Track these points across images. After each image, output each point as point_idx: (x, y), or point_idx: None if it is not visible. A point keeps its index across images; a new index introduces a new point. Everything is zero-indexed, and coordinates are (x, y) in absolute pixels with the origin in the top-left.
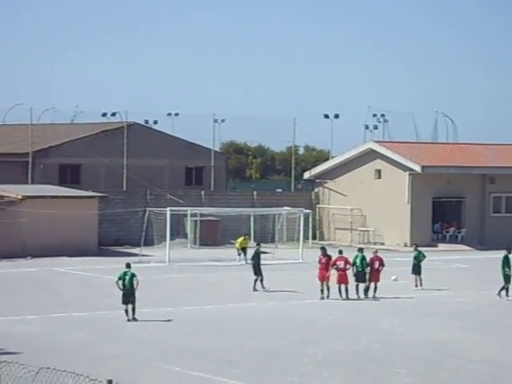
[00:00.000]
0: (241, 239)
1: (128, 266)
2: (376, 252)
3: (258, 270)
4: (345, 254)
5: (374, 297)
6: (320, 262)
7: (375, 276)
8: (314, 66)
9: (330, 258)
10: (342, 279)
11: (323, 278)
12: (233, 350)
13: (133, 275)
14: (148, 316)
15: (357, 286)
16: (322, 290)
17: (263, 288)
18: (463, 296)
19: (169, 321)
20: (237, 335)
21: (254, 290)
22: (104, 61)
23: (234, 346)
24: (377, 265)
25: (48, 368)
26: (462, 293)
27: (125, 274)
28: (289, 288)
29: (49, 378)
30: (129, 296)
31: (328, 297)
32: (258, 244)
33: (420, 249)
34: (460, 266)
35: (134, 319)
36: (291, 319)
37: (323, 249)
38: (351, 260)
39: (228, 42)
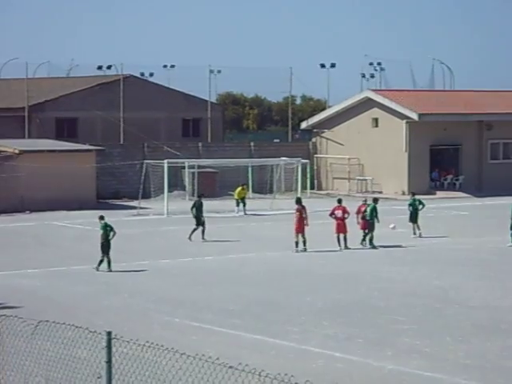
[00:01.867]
0: (239, 189)
1: (102, 218)
2: (365, 201)
3: (200, 221)
4: (344, 203)
5: (371, 245)
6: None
7: (363, 224)
8: (309, 15)
9: (303, 207)
10: (341, 228)
11: (296, 231)
12: (232, 300)
13: (111, 227)
14: (147, 268)
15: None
16: (296, 243)
17: (203, 238)
18: (462, 243)
19: (168, 272)
20: (236, 286)
21: (189, 239)
22: (99, 13)
23: (233, 297)
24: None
25: (47, 321)
26: (460, 240)
27: (105, 225)
28: (287, 238)
29: (48, 331)
30: (108, 247)
31: (297, 250)
32: (200, 195)
33: (417, 197)
34: (458, 213)
35: (110, 271)
36: (290, 269)
37: (297, 199)
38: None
39: None
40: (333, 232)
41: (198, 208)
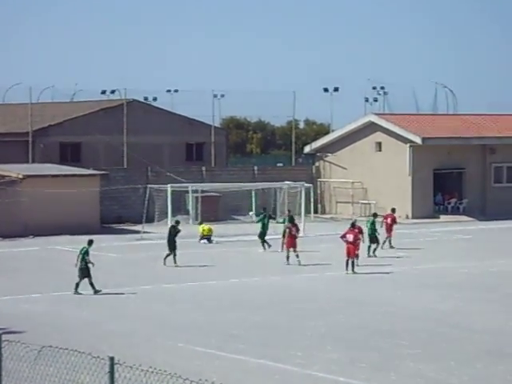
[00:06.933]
0: (201, 228)
1: (91, 242)
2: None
3: (172, 246)
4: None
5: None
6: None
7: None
8: (312, 40)
9: (295, 225)
10: (350, 252)
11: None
12: (236, 324)
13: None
14: (151, 293)
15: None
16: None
17: (175, 263)
18: (465, 267)
19: (172, 297)
20: (239, 310)
21: (164, 263)
22: (102, 38)
23: (236, 321)
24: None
25: (50, 346)
26: (464, 264)
27: (87, 250)
28: (290, 262)
29: (51, 357)
30: (87, 271)
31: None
32: (177, 222)
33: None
34: (462, 236)
35: (97, 292)
36: (293, 293)
37: (290, 218)
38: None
39: (226, 15)
40: (336, 255)
41: (171, 234)
